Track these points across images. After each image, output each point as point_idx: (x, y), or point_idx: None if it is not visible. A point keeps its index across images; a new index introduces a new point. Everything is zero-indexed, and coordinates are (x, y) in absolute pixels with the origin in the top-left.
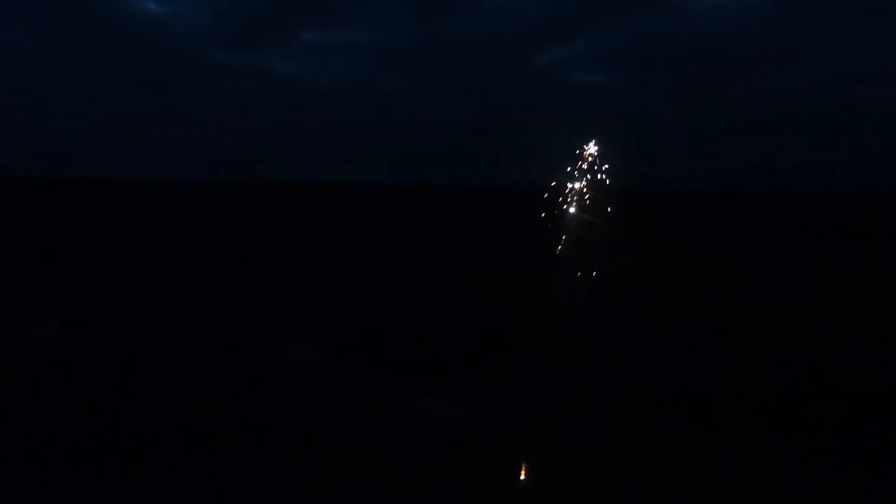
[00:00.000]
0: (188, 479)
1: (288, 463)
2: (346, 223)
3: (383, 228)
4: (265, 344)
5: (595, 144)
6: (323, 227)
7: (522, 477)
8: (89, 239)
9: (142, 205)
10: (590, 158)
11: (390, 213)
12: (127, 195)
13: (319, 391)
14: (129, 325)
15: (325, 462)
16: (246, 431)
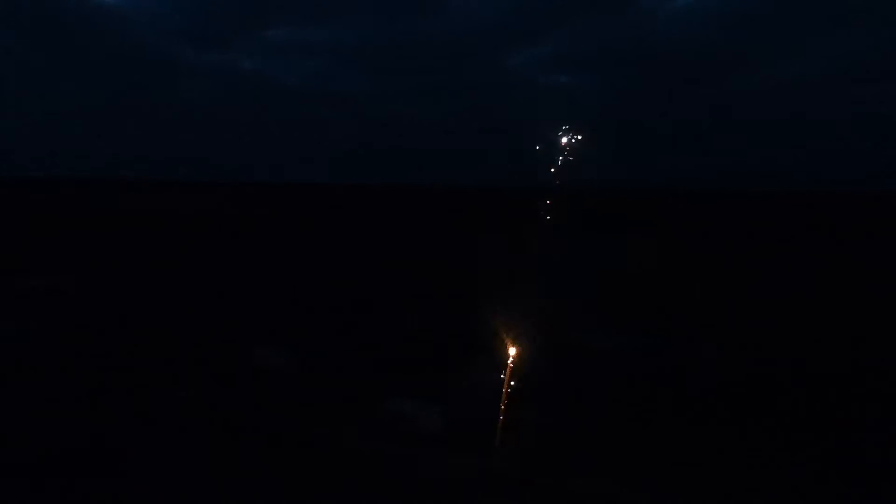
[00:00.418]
0: (160, 479)
1: (265, 464)
2: (314, 223)
3: (351, 228)
4: (238, 346)
5: (565, 147)
6: (290, 228)
7: (492, 471)
8: (46, 241)
9: (99, 205)
10: (560, 159)
11: (357, 212)
12: (83, 196)
13: (295, 392)
14: (99, 328)
15: (301, 462)
16: (221, 433)
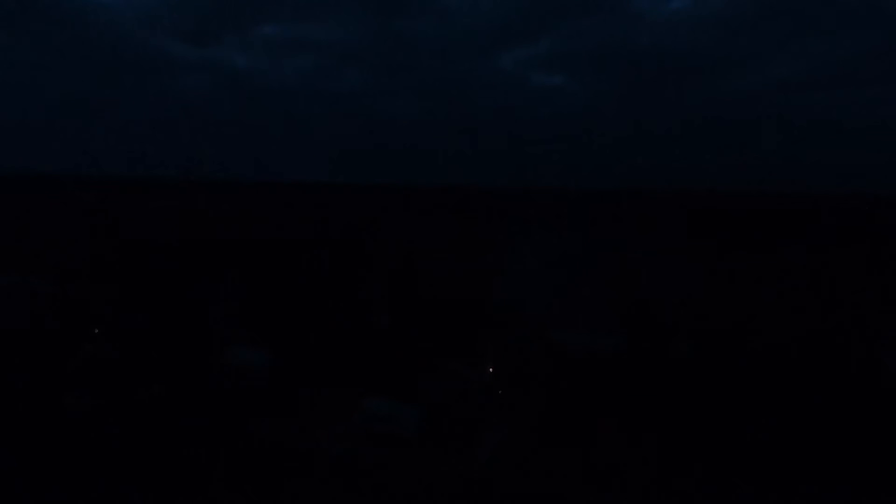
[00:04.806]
0: (121, 479)
1: (238, 467)
2: (301, 222)
3: (335, 227)
4: (210, 347)
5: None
6: (279, 226)
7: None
8: (25, 238)
9: (85, 203)
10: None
11: (344, 211)
12: (69, 192)
13: (266, 395)
14: (70, 326)
15: (273, 465)
16: (185, 437)
